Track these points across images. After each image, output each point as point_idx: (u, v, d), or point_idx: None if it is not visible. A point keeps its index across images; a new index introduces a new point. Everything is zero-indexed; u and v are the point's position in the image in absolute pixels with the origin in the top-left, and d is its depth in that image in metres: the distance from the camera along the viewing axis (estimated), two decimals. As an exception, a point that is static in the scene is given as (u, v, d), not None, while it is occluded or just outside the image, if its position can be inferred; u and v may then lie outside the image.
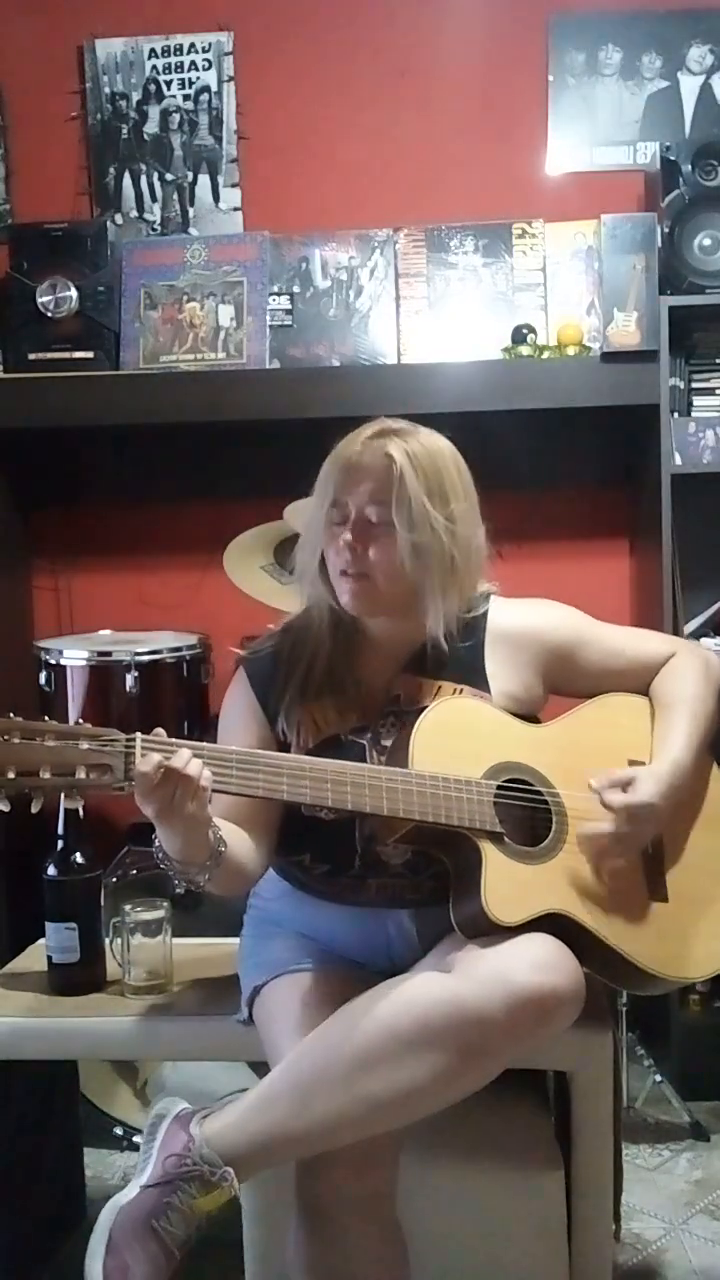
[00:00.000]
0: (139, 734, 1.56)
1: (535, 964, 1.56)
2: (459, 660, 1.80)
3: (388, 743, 1.76)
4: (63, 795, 1.55)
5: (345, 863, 1.76)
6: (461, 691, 1.79)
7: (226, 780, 1.60)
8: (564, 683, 1.87)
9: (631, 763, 1.80)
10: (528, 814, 1.73)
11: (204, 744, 1.62)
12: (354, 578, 1.73)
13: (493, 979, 1.54)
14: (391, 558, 1.72)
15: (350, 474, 1.73)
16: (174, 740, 1.57)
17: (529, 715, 1.84)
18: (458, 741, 1.71)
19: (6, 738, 1.50)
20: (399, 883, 1.76)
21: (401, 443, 1.73)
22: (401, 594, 1.75)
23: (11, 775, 1.49)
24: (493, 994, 1.52)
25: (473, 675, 1.80)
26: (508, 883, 1.65)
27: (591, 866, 1.73)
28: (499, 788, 1.70)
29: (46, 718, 1.56)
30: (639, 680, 1.89)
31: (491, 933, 1.62)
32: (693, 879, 1.81)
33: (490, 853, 1.65)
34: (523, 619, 1.86)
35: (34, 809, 1.53)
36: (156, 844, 1.66)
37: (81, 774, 1.52)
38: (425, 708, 1.72)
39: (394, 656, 1.83)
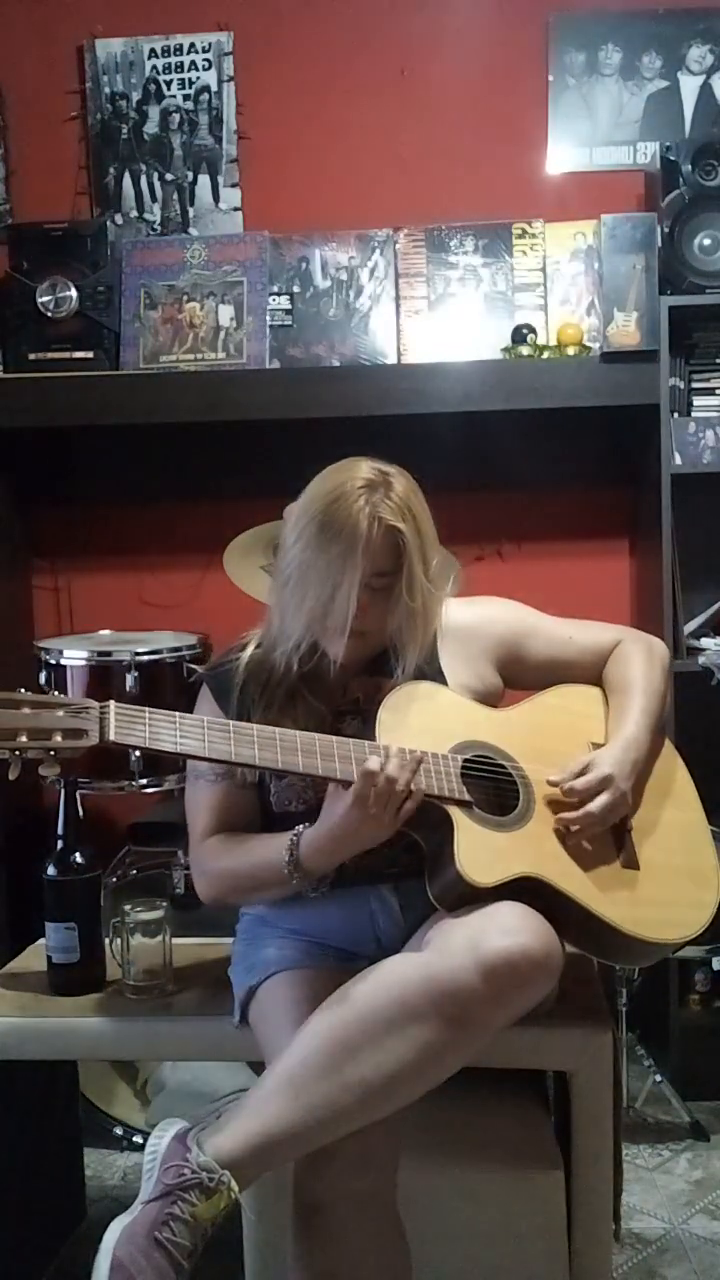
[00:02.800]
0: (112, 701, 1.61)
1: (504, 929, 1.58)
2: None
3: (349, 735, 1.79)
4: (40, 766, 1.58)
5: None
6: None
7: (205, 743, 1.63)
8: (517, 674, 1.95)
9: (593, 745, 1.88)
10: (494, 788, 1.78)
11: (177, 713, 1.65)
12: (354, 635, 1.78)
13: (464, 949, 1.57)
14: (385, 618, 1.80)
15: (368, 555, 1.75)
16: (146, 708, 1.62)
17: (488, 705, 1.90)
18: (421, 719, 1.77)
19: None
20: (374, 859, 1.78)
21: (397, 513, 1.76)
22: (383, 639, 1.83)
23: None
24: (465, 963, 1.55)
25: (428, 672, 1.86)
26: (480, 847, 1.69)
27: (561, 837, 1.77)
28: (466, 761, 1.75)
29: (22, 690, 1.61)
30: (589, 670, 1.98)
31: (468, 898, 1.65)
32: (660, 849, 1.86)
33: (461, 820, 1.70)
34: (471, 615, 1.94)
35: (11, 775, 1.57)
36: (292, 849, 1.71)
37: (58, 738, 1.56)
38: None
39: (353, 667, 1.88)
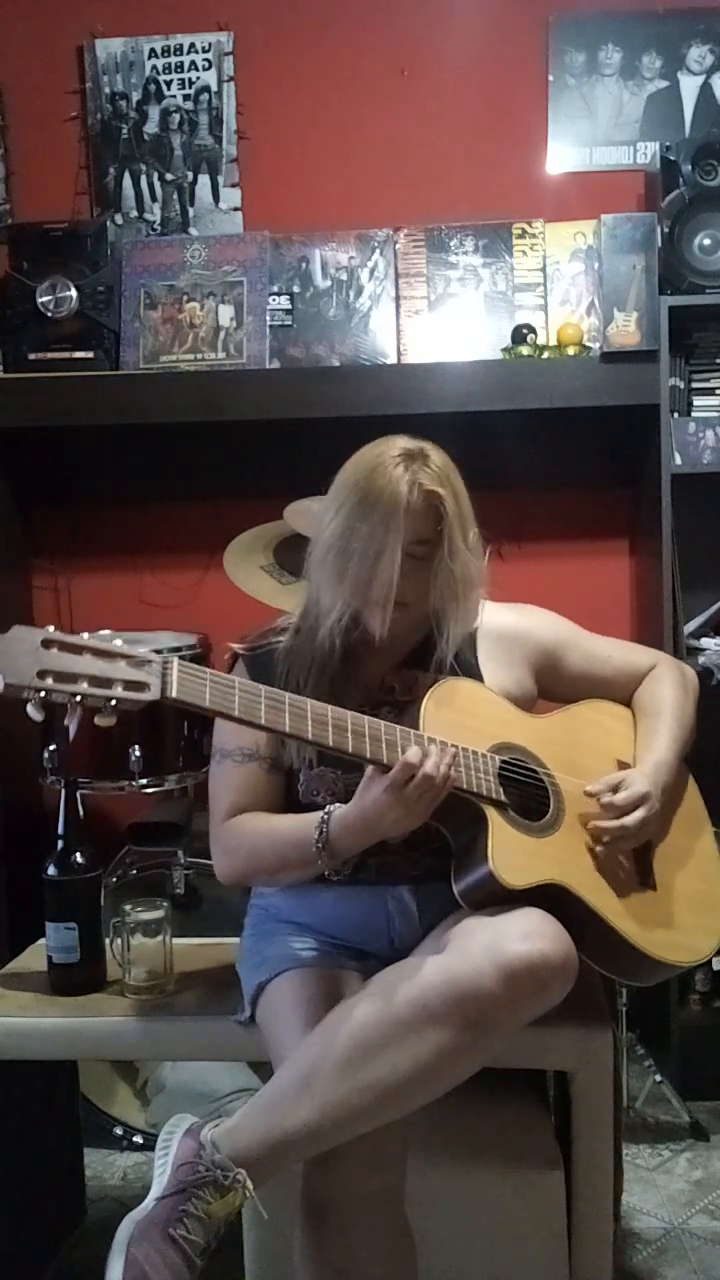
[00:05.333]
0: (175, 657, 1.56)
1: (524, 933, 1.59)
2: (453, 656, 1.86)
3: None
4: (96, 716, 1.51)
5: None
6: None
7: (261, 714, 1.59)
8: (551, 685, 1.96)
9: (620, 763, 1.90)
10: (525, 793, 1.78)
11: (236, 679, 1.61)
12: (395, 606, 1.76)
13: (484, 953, 1.57)
14: (427, 589, 1.78)
15: (409, 518, 1.74)
16: (207, 670, 1.57)
17: (523, 710, 1.90)
18: (463, 717, 1.76)
19: (49, 647, 1.47)
20: (398, 859, 1.80)
21: (435, 478, 1.76)
22: (424, 617, 1.82)
23: (50, 681, 1.46)
24: (485, 967, 1.55)
25: (467, 670, 1.86)
26: (513, 849, 1.69)
27: (589, 850, 1.79)
28: (503, 763, 1.76)
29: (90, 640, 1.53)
30: (622, 688, 2.00)
31: (495, 898, 1.65)
32: (675, 873, 1.88)
33: (496, 819, 1.70)
34: (513, 619, 1.95)
35: (68, 722, 1.49)
36: (323, 827, 1.68)
37: (119, 689, 1.50)
38: (420, 699, 1.77)
39: (392, 657, 1.87)
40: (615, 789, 1.81)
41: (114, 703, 1.49)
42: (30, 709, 1.46)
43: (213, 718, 1.65)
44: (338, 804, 1.72)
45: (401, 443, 1.80)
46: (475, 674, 1.86)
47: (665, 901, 1.84)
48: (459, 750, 1.67)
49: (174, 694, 1.52)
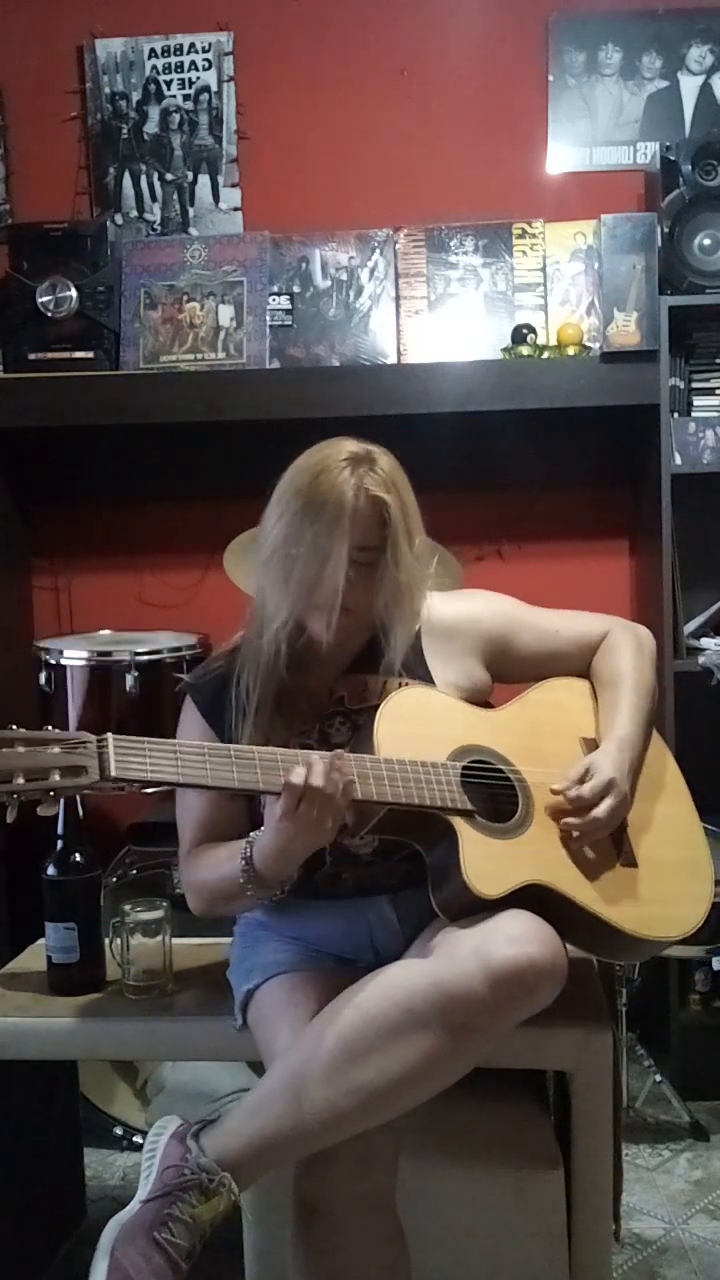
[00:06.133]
0: (110, 734, 1.57)
1: (511, 937, 1.58)
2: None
3: (338, 741, 1.79)
4: (39, 805, 1.53)
5: (316, 861, 1.77)
6: (406, 684, 1.82)
7: (202, 772, 1.60)
8: (505, 668, 1.92)
9: (584, 740, 1.87)
10: (492, 793, 1.77)
11: (177, 740, 1.63)
12: (341, 612, 1.74)
13: (471, 957, 1.56)
14: (372, 595, 1.76)
15: (354, 524, 1.73)
16: (145, 739, 1.58)
17: (478, 702, 1.88)
18: (418, 728, 1.75)
19: None
20: (371, 870, 1.79)
21: (380, 484, 1.74)
22: (369, 622, 1.80)
23: None
24: (472, 971, 1.54)
25: (414, 669, 1.84)
26: (485, 858, 1.67)
27: (563, 842, 1.76)
28: (464, 768, 1.74)
29: (15, 726, 1.55)
30: (577, 660, 1.95)
31: (473, 909, 1.64)
32: (656, 845, 1.85)
33: (465, 830, 1.68)
34: (455, 610, 1.91)
35: (9, 818, 1.52)
36: (246, 860, 1.68)
37: (56, 777, 1.52)
38: (372, 705, 1.76)
39: (337, 663, 1.86)
40: (581, 780, 1.76)
41: (52, 792, 1.51)
42: None
43: (158, 788, 1.66)
44: (259, 831, 1.71)
45: (349, 446, 1.78)
46: (424, 674, 1.84)
47: (648, 877, 1.81)
48: (343, 753, 1.65)
49: (113, 772, 1.54)
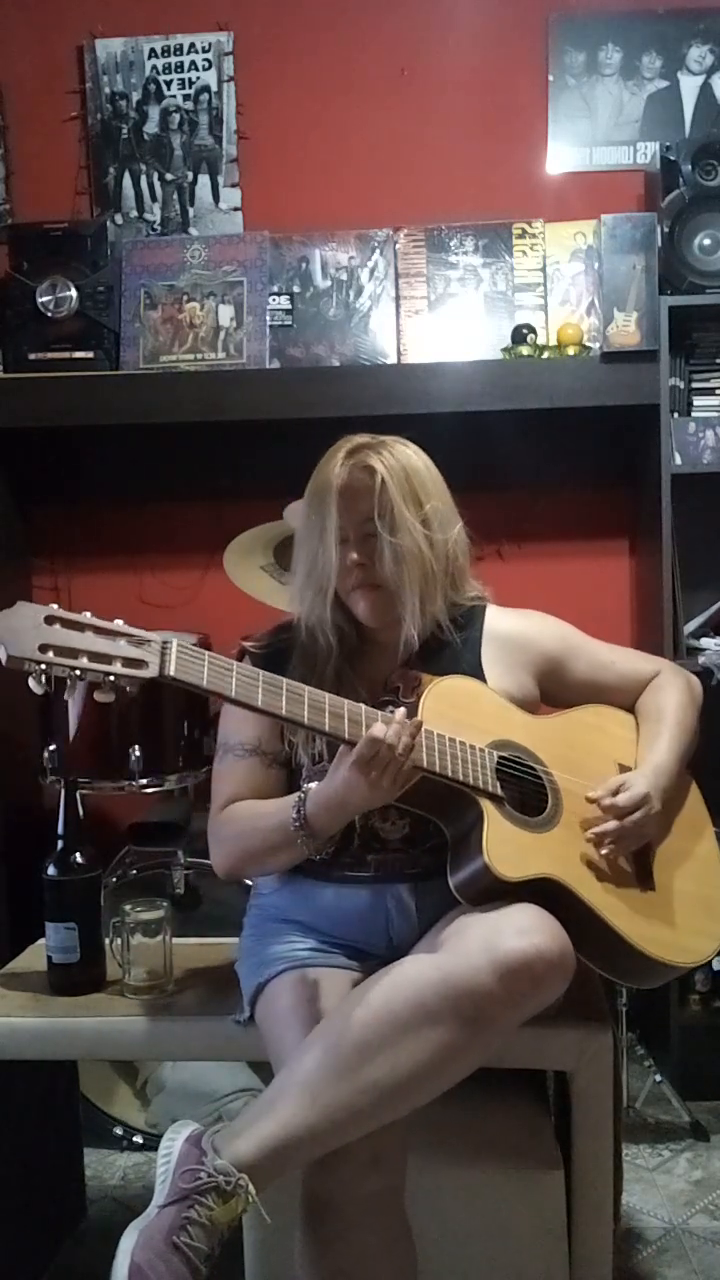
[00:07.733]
0: (174, 638, 1.58)
1: (520, 929, 1.59)
2: (456, 658, 1.88)
3: None
4: (96, 691, 1.55)
5: (345, 840, 1.80)
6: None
7: (253, 696, 1.60)
8: (555, 690, 1.96)
9: (620, 765, 1.91)
10: (522, 789, 1.79)
11: (232, 661, 1.62)
12: (368, 589, 1.80)
13: (480, 950, 1.57)
14: (389, 566, 1.80)
15: (343, 497, 1.80)
16: (205, 652, 1.59)
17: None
18: (462, 714, 1.77)
19: (51, 623, 1.51)
20: (397, 857, 1.81)
21: (376, 455, 1.80)
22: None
23: (51, 655, 1.49)
24: (481, 964, 1.56)
25: (471, 671, 1.86)
26: (507, 842, 1.70)
27: (587, 848, 1.79)
28: (500, 759, 1.76)
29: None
30: (626, 696, 2.00)
31: (489, 893, 1.66)
32: (676, 876, 1.89)
33: (492, 812, 1.70)
34: (518, 624, 1.95)
35: (67, 696, 1.58)
36: (298, 810, 1.69)
37: (119, 665, 1.53)
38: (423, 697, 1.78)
39: (394, 657, 1.88)
40: (616, 792, 1.81)
41: (112, 678, 1.52)
42: (31, 682, 1.49)
43: (210, 699, 1.67)
44: (315, 782, 1.72)
45: (357, 438, 1.84)
46: (478, 674, 1.87)
47: (664, 903, 1.84)
48: (422, 725, 1.65)
49: (171, 672, 1.54)
